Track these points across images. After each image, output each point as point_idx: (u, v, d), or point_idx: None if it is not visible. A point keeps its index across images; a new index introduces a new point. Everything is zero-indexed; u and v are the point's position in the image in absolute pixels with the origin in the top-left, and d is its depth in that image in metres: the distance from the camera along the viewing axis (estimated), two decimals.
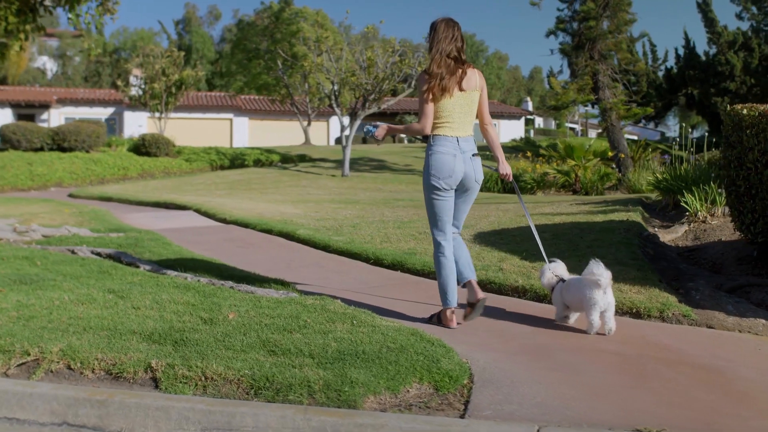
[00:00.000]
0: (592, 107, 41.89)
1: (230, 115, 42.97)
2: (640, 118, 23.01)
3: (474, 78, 4.48)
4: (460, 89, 4.43)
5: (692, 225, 7.67)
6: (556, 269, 4.75)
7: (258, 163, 27.25)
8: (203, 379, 3.39)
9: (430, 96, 4.39)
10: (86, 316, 4.29)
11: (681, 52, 26.76)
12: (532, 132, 54.16)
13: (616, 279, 5.48)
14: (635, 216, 8.23)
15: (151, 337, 3.91)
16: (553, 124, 64.22)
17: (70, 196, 17.65)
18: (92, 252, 6.66)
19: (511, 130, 48.27)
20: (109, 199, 16.00)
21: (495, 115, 48.37)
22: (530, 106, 59.12)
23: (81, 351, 3.66)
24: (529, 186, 18.18)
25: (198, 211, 12.03)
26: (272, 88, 33.71)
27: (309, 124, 36.01)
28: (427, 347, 3.75)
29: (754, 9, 25.12)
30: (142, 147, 25.45)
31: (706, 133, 31.90)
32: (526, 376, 3.57)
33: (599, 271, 4.25)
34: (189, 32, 56.75)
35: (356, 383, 3.27)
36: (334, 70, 23.15)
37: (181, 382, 3.38)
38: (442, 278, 4.50)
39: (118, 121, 39.92)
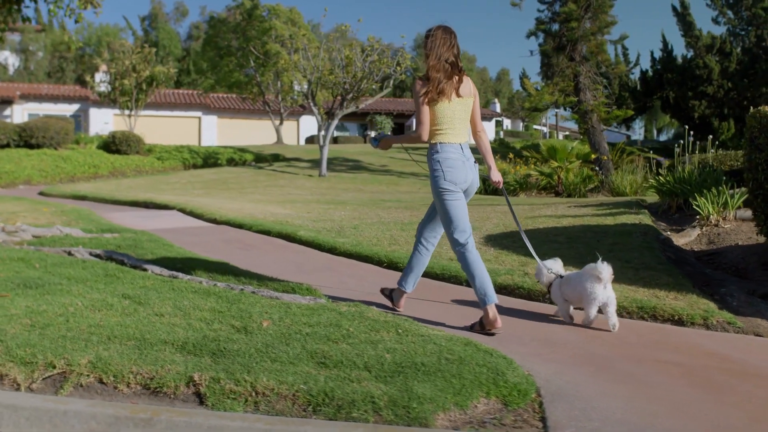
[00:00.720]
0: (564, 110, 42.21)
1: (198, 113, 42.30)
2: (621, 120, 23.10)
3: (468, 85, 4.49)
4: (458, 95, 4.42)
5: (705, 229, 7.56)
6: (553, 266, 4.78)
7: (231, 162, 26.79)
8: (253, 394, 3.11)
9: (426, 100, 4.36)
10: (107, 324, 3.96)
11: (657, 55, 26.98)
12: (501, 134, 54.32)
13: (648, 284, 5.34)
14: (645, 219, 8.10)
15: (185, 347, 3.61)
16: (521, 126, 64.53)
17: (41, 194, 17.10)
18: (90, 254, 6.29)
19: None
20: (83, 198, 15.51)
21: None
22: (498, 108, 59.29)
23: (113, 363, 3.35)
24: (511, 187, 18.09)
25: (183, 211, 11.65)
26: (244, 87, 33.20)
27: (281, 123, 35.59)
28: (487, 358, 3.51)
29: (730, 13, 25.44)
30: (113, 144, 24.83)
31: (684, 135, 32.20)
32: (595, 389, 3.36)
33: (601, 267, 4.31)
34: (155, 29, 55.78)
35: (424, 399, 3.03)
36: (311, 67, 22.80)
37: (229, 397, 3.10)
38: (477, 278, 4.32)
39: (84, 118, 39.01)
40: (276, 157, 28.14)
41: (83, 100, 38.99)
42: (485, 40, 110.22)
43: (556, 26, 21.35)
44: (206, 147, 29.60)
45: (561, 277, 4.67)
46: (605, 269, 4.31)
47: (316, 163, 26.36)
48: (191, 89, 45.67)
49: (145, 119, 34.99)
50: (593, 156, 18.94)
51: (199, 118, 42.34)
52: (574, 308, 4.69)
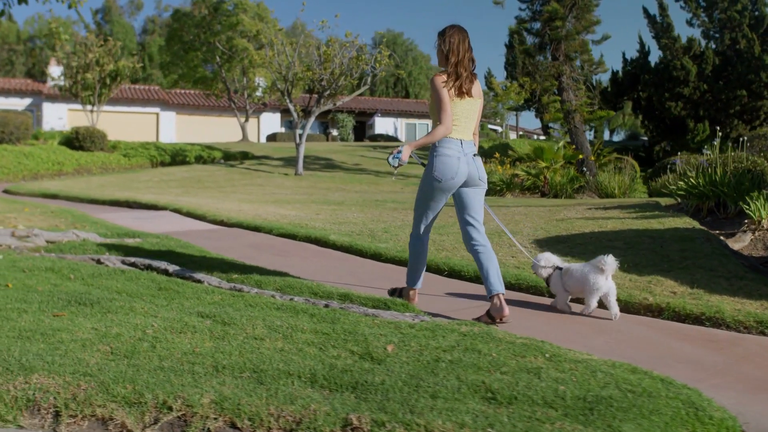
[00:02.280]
0: (529, 109, 42.18)
1: (156, 109, 41.03)
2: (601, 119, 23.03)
3: (477, 87, 4.60)
4: (470, 95, 4.52)
5: (757, 233, 7.28)
6: (550, 259, 4.94)
7: (200, 159, 25.90)
8: None
9: (448, 96, 4.42)
10: (204, 351, 3.40)
11: (628, 57, 27.08)
12: None
13: (751, 296, 5.00)
14: (694, 222, 7.80)
15: (315, 380, 3.07)
16: None
17: (6, 192, 16.13)
18: (123, 262, 5.65)
19: None
20: (54, 197, 14.64)
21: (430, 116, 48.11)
22: None
23: (242, 403, 2.80)
24: (498, 188, 17.77)
25: (178, 211, 10.96)
26: (210, 83, 32.23)
27: (247, 120, 34.71)
28: (672, 389, 3.07)
29: (704, 16, 25.63)
30: (76, 141, 23.69)
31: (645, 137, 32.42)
32: None
33: (606, 259, 4.55)
34: (109, 22, 54.01)
35: None
36: (288, 62, 22.12)
37: None
38: (412, 264, 4.73)
39: (36, 113, 37.44)
40: (245, 155, 27.33)
41: (36, 94, 37.46)
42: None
43: (536, 25, 21.12)
44: (173, 144, 28.58)
45: (560, 268, 4.85)
46: (610, 263, 4.53)
47: (287, 162, 25.71)
48: (147, 84, 44.35)
49: (102, 114, 33.70)
50: (580, 156, 18.75)
51: (157, 114, 41.08)
52: (572, 299, 4.90)
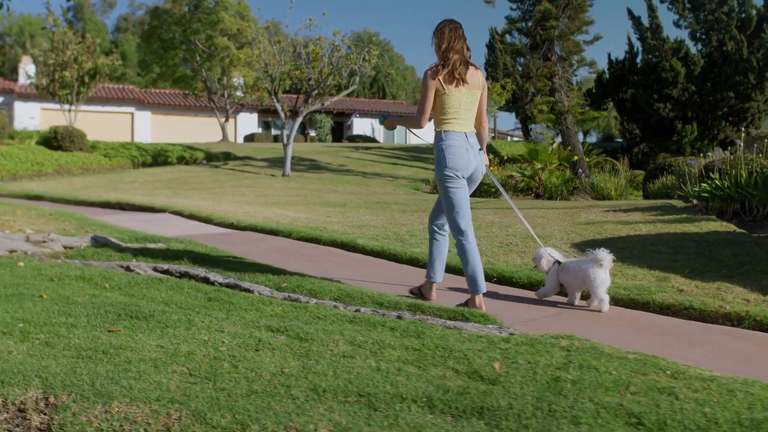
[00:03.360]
0: (510, 111, 42.13)
1: (131, 109, 40.25)
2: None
3: (477, 76, 4.61)
4: (466, 85, 4.52)
5: None
6: (552, 253, 5.05)
7: (182, 160, 25.33)
8: None
9: (433, 93, 4.48)
10: (295, 373, 3.06)
11: (614, 58, 27.07)
12: None
13: None
14: (731, 226, 7.62)
15: (433, 404, 2.75)
16: None
17: None
18: (155, 269, 5.27)
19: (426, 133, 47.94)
20: (38, 198, 14.11)
21: None
22: None
23: None
24: (493, 189, 17.57)
25: (179, 214, 10.53)
26: (189, 82, 31.60)
27: (227, 120, 34.15)
28: None
29: (690, 17, 25.65)
30: (54, 140, 22.98)
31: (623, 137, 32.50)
32: None
33: (602, 254, 4.68)
34: (81, 20, 52.90)
35: None
36: (275, 61, 21.69)
37: None
38: (470, 266, 4.61)
39: (7, 112, 36.43)
40: (228, 156, 26.81)
41: (7, 92, 36.50)
42: (412, 38, 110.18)
43: (524, 24, 20.97)
44: (154, 144, 27.95)
45: (559, 263, 4.96)
46: (607, 257, 4.68)
47: (271, 162, 25.30)
48: (121, 83, 43.48)
49: (75, 114, 32.84)
50: (575, 157, 18.62)
51: (132, 113, 40.29)
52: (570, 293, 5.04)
